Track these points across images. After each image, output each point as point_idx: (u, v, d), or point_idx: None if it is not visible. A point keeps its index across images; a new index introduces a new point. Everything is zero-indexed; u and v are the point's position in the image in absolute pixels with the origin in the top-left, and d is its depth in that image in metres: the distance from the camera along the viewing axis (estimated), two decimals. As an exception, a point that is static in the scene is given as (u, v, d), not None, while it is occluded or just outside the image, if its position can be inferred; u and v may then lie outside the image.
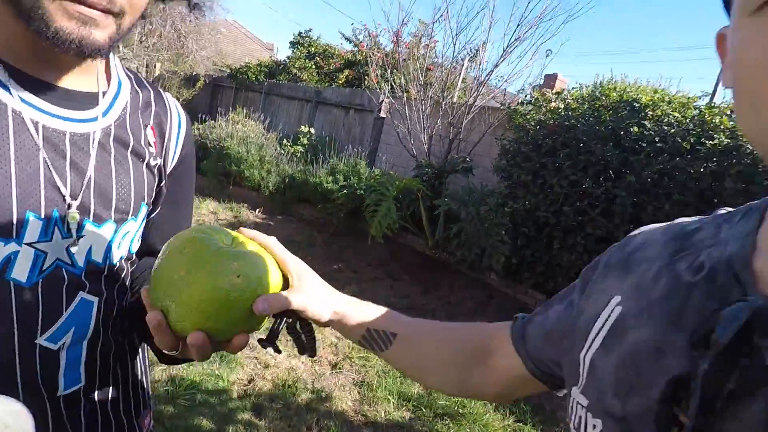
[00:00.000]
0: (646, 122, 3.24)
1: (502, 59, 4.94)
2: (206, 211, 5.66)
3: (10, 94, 0.52)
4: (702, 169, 2.94)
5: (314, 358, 2.79)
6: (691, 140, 3.03)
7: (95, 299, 0.59)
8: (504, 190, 4.02)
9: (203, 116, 6.89)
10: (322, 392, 2.48)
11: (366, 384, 2.60)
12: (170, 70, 9.10)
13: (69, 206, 0.55)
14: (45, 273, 0.54)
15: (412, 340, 0.63)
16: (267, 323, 0.55)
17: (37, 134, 0.53)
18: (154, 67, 8.80)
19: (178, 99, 10.41)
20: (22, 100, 0.52)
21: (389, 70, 5.71)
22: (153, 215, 0.70)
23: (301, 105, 8.51)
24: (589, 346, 0.46)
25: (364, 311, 0.63)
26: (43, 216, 0.53)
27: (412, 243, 5.15)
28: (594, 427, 0.44)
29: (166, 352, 0.54)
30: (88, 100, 0.58)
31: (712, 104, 3.20)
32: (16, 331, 0.52)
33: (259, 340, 0.55)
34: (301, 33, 10.83)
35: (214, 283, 0.46)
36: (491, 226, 3.58)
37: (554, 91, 4.06)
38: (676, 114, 3.16)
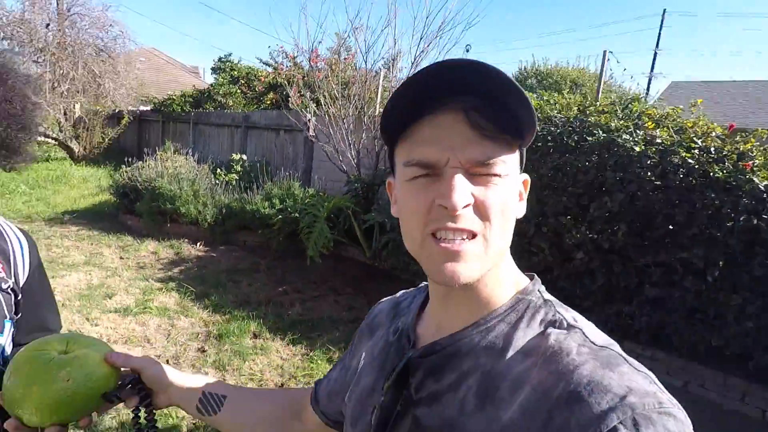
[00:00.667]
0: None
1: (412, 71, 5.24)
2: (146, 252, 5.59)
3: None
4: (587, 162, 3.32)
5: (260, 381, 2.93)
6: (575, 137, 3.41)
7: None
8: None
9: (130, 159, 6.76)
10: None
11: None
12: (91, 110, 8.81)
13: None
14: None
15: (240, 402, 0.76)
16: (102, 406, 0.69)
17: None
18: (73, 108, 8.50)
19: (103, 139, 10.07)
20: None
21: (309, 91, 5.87)
22: (19, 318, 0.88)
23: (231, 132, 8.50)
24: (349, 395, 0.65)
25: (200, 378, 0.78)
26: None
27: (353, 255, 5.35)
28: None
29: None
30: None
31: (589, 104, 3.60)
32: None
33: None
34: (221, 58, 10.76)
35: (48, 392, 0.62)
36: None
37: None
38: (559, 115, 3.54)
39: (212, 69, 10.79)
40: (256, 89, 9.36)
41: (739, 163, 2.80)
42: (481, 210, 0.47)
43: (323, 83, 5.52)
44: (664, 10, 19.70)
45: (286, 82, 6.21)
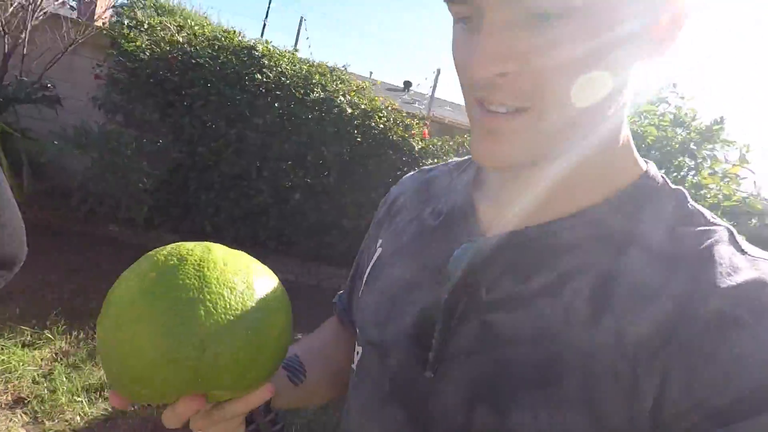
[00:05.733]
0: (265, 70, 3.73)
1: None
2: None
3: None
4: (310, 116, 3.80)
5: None
6: (301, 91, 3.80)
7: None
8: (122, 129, 3.54)
9: None
10: None
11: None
12: None
13: None
14: None
15: (312, 351, 0.60)
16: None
17: None
18: None
19: None
20: None
21: None
22: None
23: None
24: (361, 288, 0.54)
25: None
26: None
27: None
28: (357, 353, 0.51)
29: None
30: None
31: (313, 63, 4.05)
32: None
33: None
34: None
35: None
36: (128, 173, 3.19)
37: (174, 24, 3.77)
38: (288, 68, 3.81)
39: None
40: None
41: (406, 132, 4.06)
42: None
43: None
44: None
45: None
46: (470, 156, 0.50)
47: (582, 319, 0.36)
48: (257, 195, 3.85)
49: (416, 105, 7.25)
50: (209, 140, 3.68)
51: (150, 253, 0.41)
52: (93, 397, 2.09)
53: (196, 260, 0.39)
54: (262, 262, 0.44)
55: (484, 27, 0.33)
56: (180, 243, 0.42)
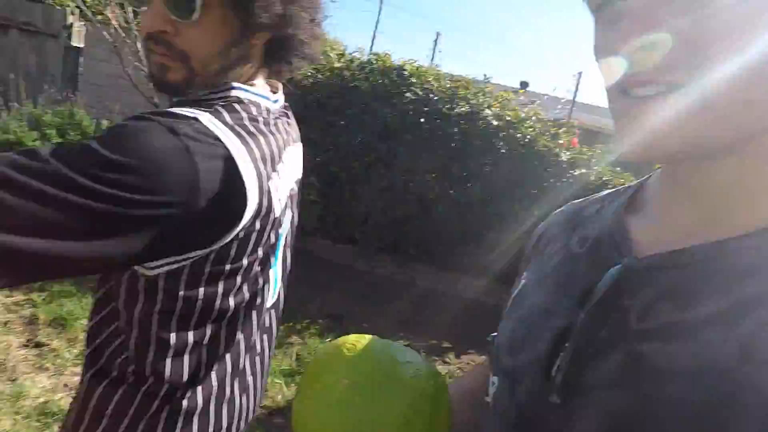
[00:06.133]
0: (414, 89, 3.95)
1: None
2: None
3: None
4: (456, 129, 3.92)
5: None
6: (447, 106, 3.94)
7: None
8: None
9: None
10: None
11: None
12: None
13: None
14: None
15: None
16: None
17: None
18: None
19: None
20: None
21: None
22: None
23: None
24: (503, 324, 0.52)
25: None
26: None
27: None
28: (493, 384, 0.48)
29: None
30: None
31: (453, 76, 4.19)
32: None
33: None
34: None
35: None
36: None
37: (336, 52, 4.22)
38: (435, 84, 3.99)
39: None
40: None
41: (553, 142, 3.96)
42: None
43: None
44: None
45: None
46: (624, 185, 0.51)
47: (764, 358, 0.30)
48: (403, 205, 4.07)
49: (536, 105, 7.02)
50: (362, 155, 4.00)
51: (345, 351, 0.47)
52: (287, 381, 2.41)
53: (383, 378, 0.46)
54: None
55: (626, 6, 0.31)
56: (369, 348, 0.48)
